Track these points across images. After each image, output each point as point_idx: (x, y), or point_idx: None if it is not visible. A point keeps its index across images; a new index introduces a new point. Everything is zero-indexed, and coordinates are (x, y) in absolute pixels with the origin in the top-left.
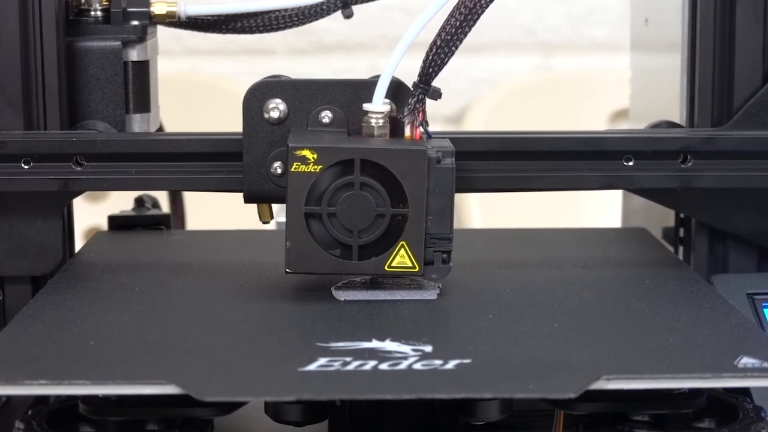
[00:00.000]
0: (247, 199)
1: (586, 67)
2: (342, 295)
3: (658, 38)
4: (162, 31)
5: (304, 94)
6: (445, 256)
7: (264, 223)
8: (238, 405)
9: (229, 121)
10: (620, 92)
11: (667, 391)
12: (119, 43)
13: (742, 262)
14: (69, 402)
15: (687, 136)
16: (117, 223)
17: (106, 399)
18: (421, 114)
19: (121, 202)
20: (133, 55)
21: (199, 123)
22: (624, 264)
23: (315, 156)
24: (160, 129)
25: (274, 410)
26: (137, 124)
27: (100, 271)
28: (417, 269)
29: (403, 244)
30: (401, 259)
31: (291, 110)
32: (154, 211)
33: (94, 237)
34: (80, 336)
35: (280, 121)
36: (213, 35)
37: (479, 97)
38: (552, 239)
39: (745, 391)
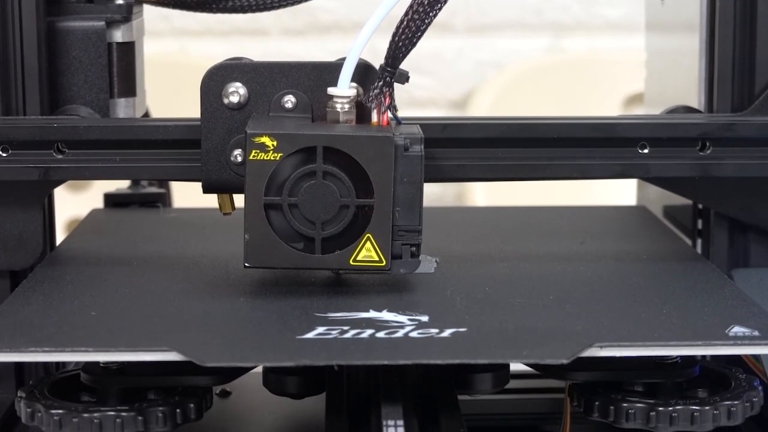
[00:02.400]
0: (206, 189)
1: (599, 48)
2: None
3: (675, 18)
4: (148, 10)
5: (266, 78)
6: (414, 249)
7: (225, 215)
8: (237, 373)
9: None
10: (635, 75)
11: (659, 359)
12: (103, 23)
13: (764, 256)
14: (69, 372)
15: (705, 122)
16: (113, 200)
17: (107, 368)
18: (388, 98)
19: (105, 191)
20: (118, 36)
21: (188, 108)
22: (621, 239)
23: (275, 143)
24: (146, 115)
25: (273, 382)
26: (122, 109)
27: (98, 247)
28: (384, 264)
29: (368, 237)
30: (367, 252)
31: (252, 95)
32: (150, 189)
33: (91, 214)
34: (81, 307)
35: (240, 106)
36: (202, 15)
37: (485, 81)
38: (551, 216)
39: (739, 362)
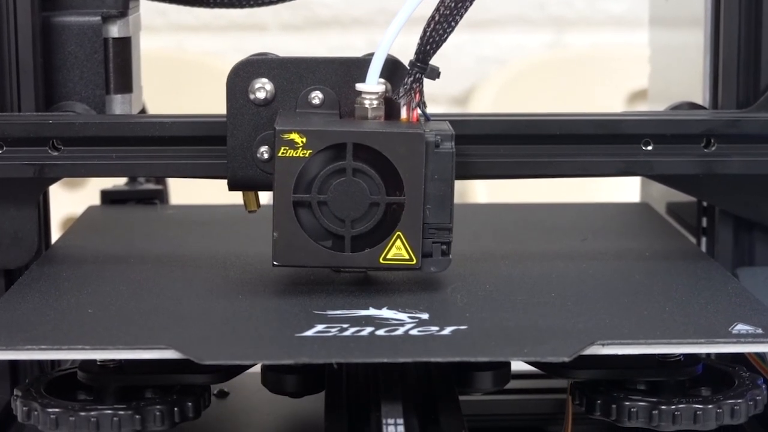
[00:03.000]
0: (232, 186)
1: (602, 44)
2: None
3: (680, 13)
4: (145, 5)
5: (293, 74)
6: (444, 247)
7: (250, 212)
8: (236, 371)
9: (217, 103)
10: (638, 71)
11: (662, 357)
12: (99, 18)
13: None
14: (66, 370)
15: (710, 119)
16: (110, 197)
17: (104, 366)
18: (417, 94)
19: (102, 188)
20: (114, 31)
21: (185, 104)
22: (623, 237)
23: (304, 140)
24: (143, 111)
25: (271, 381)
26: (118, 105)
27: (94, 244)
28: (414, 262)
29: (399, 235)
30: (397, 251)
31: (278, 91)
32: (147, 185)
33: (88, 211)
34: (78, 304)
35: (266, 103)
36: (200, 10)
37: (487, 77)
38: (553, 213)
39: (743, 360)
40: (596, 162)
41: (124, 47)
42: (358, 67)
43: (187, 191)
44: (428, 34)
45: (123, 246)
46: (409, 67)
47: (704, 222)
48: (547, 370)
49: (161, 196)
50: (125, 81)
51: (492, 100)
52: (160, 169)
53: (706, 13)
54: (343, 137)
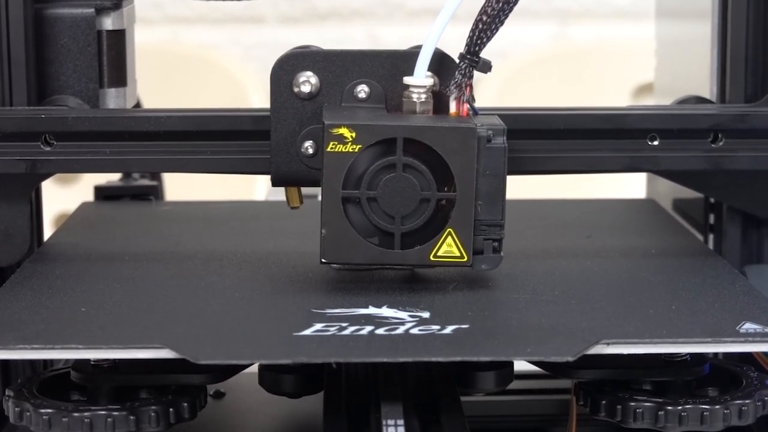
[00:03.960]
0: (275, 182)
1: (607, 37)
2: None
3: (687, 5)
4: None
5: (338, 67)
6: (495, 244)
7: (293, 208)
8: (232, 371)
9: (214, 96)
10: (644, 65)
11: (668, 357)
12: (92, 10)
13: None
14: (59, 370)
15: (718, 113)
16: (104, 193)
17: (98, 366)
18: (468, 88)
19: (94, 184)
20: (108, 23)
21: (181, 98)
22: (629, 234)
23: (353, 135)
24: (138, 105)
25: (269, 380)
26: (112, 99)
27: (88, 241)
28: (465, 259)
29: (450, 232)
30: (448, 248)
31: (323, 84)
32: (142, 181)
33: (81, 207)
34: (71, 303)
35: (311, 96)
36: (196, 1)
37: None
38: (556, 209)
39: (750, 360)
40: (601, 157)
41: (119, 40)
42: (404, 60)
43: (184, 188)
44: (480, 24)
45: (117, 243)
46: (459, 60)
47: (711, 219)
48: (551, 369)
49: (156, 193)
50: (119, 74)
51: (494, 94)
52: (155, 165)
53: (713, 5)
54: (393, 132)
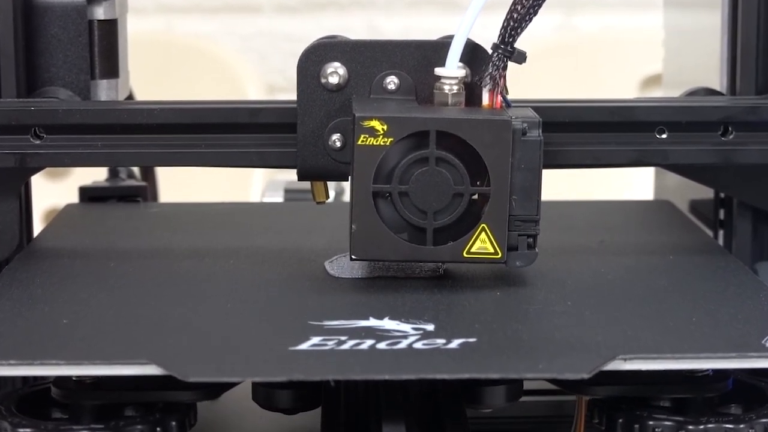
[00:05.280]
0: (301, 176)
1: (613, 26)
2: (336, 271)
3: None
4: None
5: (367, 57)
6: (530, 240)
7: (319, 203)
8: (224, 388)
9: (209, 88)
10: (652, 55)
11: (689, 372)
12: None
13: None
14: (40, 385)
15: (728, 105)
16: (89, 194)
17: (80, 381)
18: (502, 79)
19: (85, 179)
20: (100, 12)
21: (175, 90)
22: (645, 238)
23: (385, 127)
24: (130, 97)
25: (263, 396)
26: (104, 91)
27: (71, 246)
28: (500, 256)
29: (483, 227)
30: (482, 244)
31: (352, 75)
32: (129, 182)
33: (65, 210)
34: (52, 314)
35: (339, 88)
36: None
37: None
38: (567, 212)
39: None
40: (607, 151)
41: (110, 30)
42: (435, 50)
43: (177, 189)
44: (515, 13)
45: (102, 249)
46: (492, 51)
47: (722, 214)
48: (564, 386)
49: (145, 194)
50: (111, 65)
51: None
52: (149, 159)
53: None
54: (426, 124)
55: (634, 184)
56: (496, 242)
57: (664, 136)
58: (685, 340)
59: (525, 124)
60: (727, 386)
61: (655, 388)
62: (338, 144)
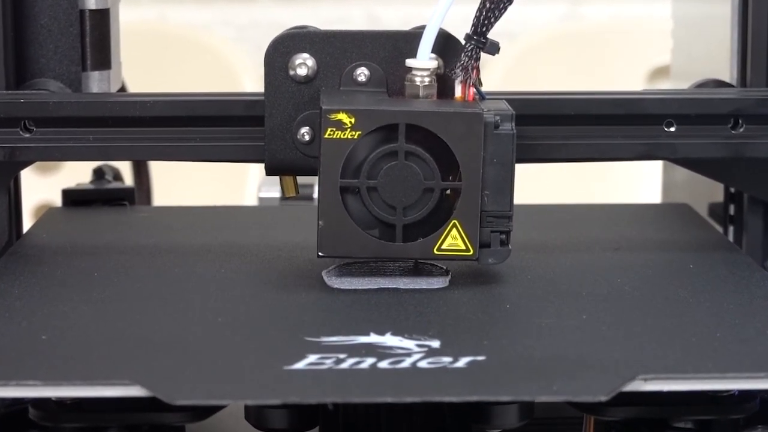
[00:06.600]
0: (270, 171)
1: (621, 16)
2: (335, 282)
3: None
4: None
5: (336, 48)
6: (503, 237)
7: (288, 198)
8: (213, 410)
9: (204, 80)
10: (660, 46)
11: (713, 393)
12: None
13: None
14: (17, 406)
15: (738, 98)
16: (72, 197)
17: (60, 403)
18: (475, 71)
19: (77, 174)
20: (91, 2)
21: (168, 82)
22: (663, 245)
23: (353, 120)
24: (122, 89)
25: (256, 416)
26: (95, 83)
27: (53, 254)
28: (471, 253)
29: (455, 224)
30: (453, 240)
31: (321, 67)
32: (115, 184)
33: (46, 214)
34: (30, 329)
35: (308, 80)
36: None
37: None
38: (579, 216)
39: None
40: (614, 144)
41: (102, 20)
42: (406, 41)
43: (172, 188)
44: (487, 2)
45: (86, 257)
46: (465, 41)
47: (731, 210)
48: (580, 408)
49: (132, 197)
50: (103, 56)
51: (501, 78)
52: (141, 153)
53: None
54: (395, 117)
55: (643, 181)
56: (467, 239)
57: (672, 129)
58: (710, 357)
59: (497, 117)
60: (754, 407)
61: (677, 410)
62: (307, 138)
